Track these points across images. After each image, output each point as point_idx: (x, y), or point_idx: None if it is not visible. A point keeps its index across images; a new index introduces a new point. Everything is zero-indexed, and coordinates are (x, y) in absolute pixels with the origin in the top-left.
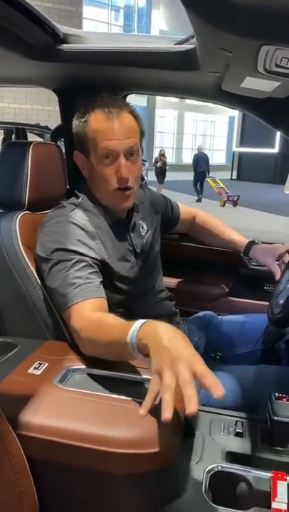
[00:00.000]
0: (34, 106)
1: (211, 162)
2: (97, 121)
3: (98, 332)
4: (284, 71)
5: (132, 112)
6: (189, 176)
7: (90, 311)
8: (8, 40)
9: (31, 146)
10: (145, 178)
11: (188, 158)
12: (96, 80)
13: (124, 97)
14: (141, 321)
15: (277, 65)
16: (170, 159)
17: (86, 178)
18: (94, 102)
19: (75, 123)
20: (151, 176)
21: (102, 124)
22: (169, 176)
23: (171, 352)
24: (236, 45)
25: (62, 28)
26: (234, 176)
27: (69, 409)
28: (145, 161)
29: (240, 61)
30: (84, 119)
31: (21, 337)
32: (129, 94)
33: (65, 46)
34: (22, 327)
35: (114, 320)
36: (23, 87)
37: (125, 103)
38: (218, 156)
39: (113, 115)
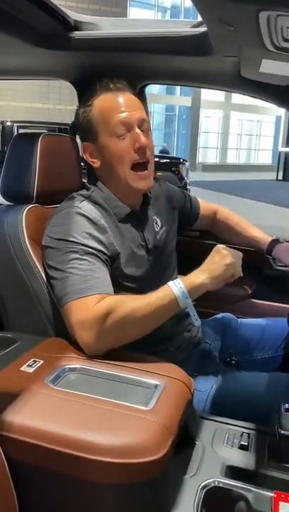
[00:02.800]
0: (57, 106)
1: (257, 162)
2: (104, 101)
3: (126, 309)
4: None
5: (136, 95)
6: (235, 176)
7: (95, 304)
8: (17, 28)
9: (40, 137)
10: (185, 178)
11: (232, 158)
12: (112, 69)
13: (143, 88)
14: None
15: (285, 39)
16: (214, 159)
17: (97, 169)
18: (95, 88)
19: (80, 113)
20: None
21: (110, 101)
22: (213, 176)
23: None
24: (234, 15)
25: (74, 15)
26: (280, 177)
27: (55, 411)
28: (186, 161)
29: (245, 37)
30: (88, 104)
31: (24, 331)
32: (148, 84)
33: (76, 33)
34: (25, 321)
35: (137, 297)
36: (40, 79)
37: (129, 88)
38: (263, 157)
39: (119, 92)
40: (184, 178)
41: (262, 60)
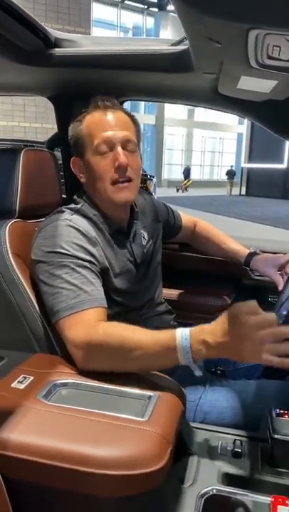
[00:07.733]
0: (21, 123)
1: (220, 178)
2: (92, 118)
3: (121, 344)
4: (277, 64)
5: (128, 114)
6: (200, 191)
7: (94, 320)
8: None
9: (22, 152)
10: (153, 194)
11: (196, 175)
12: (91, 86)
13: (121, 104)
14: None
15: (269, 57)
16: (179, 175)
17: (84, 184)
18: (89, 106)
19: (71, 128)
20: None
21: (97, 119)
22: (179, 192)
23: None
24: (223, 33)
25: (54, 33)
26: (243, 192)
27: (50, 427)
28: (153, 177)
29: (231, 54)
30: (79, 120)
31: (10, 348)
32: (126, 100)
33: (56, 50)
34: (10, 338)
35: (139, 332)
36: (19, 95)
37: (121, 106)
38: None
39: (108, 110)
40: (151, 194)
41: (241, 77)
